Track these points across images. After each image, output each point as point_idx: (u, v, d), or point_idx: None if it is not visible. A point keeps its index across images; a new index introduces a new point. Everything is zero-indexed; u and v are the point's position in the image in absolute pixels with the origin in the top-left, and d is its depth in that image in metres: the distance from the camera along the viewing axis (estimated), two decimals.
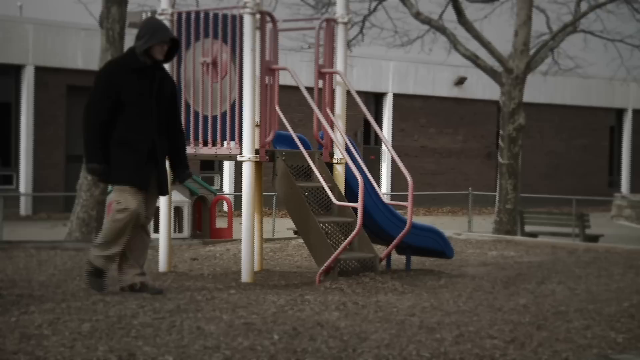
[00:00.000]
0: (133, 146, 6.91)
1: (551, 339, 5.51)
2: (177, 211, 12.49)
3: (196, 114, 8.46)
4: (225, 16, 8.29)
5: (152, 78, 7.01)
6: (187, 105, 8.50)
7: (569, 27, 19.97)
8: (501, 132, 19.23)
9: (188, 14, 8.53)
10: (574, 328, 5.88)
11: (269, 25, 8.44)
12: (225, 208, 20.07)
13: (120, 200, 6.91)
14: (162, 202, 8.70)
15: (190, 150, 8.49)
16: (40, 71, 24.62)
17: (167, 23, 8.53)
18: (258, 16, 8.15)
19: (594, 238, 18.59)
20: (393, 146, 29.02)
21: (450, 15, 19.67)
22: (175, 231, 12.21)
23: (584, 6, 20.08)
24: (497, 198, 19.19)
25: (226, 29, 8.26)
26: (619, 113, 37.97)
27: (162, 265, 8.64)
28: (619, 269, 9.21)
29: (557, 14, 21.21)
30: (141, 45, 6.96)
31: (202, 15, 8.41)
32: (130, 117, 6.91)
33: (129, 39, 16.30)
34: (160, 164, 7.06)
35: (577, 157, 36.41)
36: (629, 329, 5.88)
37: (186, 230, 12.72)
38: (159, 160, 7.04)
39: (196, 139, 8.49)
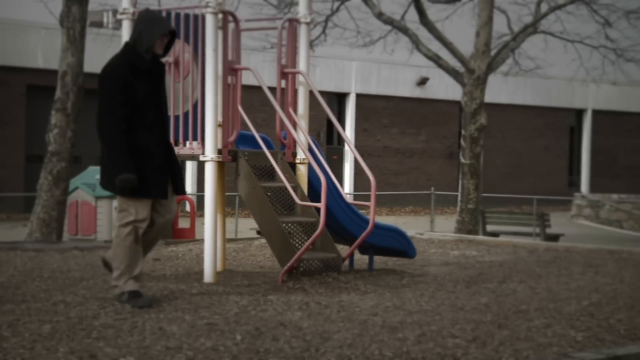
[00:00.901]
0: (150, 152, 6.44)
1: (512, 338, 5.56)
2: None
3: None
4: (187, 16, 8.25)
5: (157, 76, 6.60)
6: None
7: (530, 28, 20.15)
8: (463, 132, 19.35)
9: None
10: (535, 327, 5.93)
11: (231, 25, 8.41)
12: (187, 208, 20.00)
13: (131, 210, 6.42)
14: None
15: None
16: (0, 70, 24.37)
17: (127, 23, 8.49)
18: (220, 16, 8.13)
19: (554, 237, 18.77)
20: (356, 146, 29.02)
21: (412, 15, 19.77)
22: None
23: (544, 7, 20.27)
24: (459, 198, 19.30)
25: (188, 28, 8.22)
26: (579, 113, 38.36)
27: None
28: (579, 268, 9.30)
29: (517, 14, 21.38)
30: (145, 40, 6.42)
31: (163, 14, 8.36)
32: (145, 120, 6.43)
33: (90, 38, 16.18)
34: (175, 164, 6.70)
35: (538, 157, 36.73)
36: (588, 327, 5.95)
37: None
38: (174, 162, 6.68)
39: None
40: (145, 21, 6.51)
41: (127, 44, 6.60)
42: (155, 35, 6.46)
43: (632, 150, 39.23)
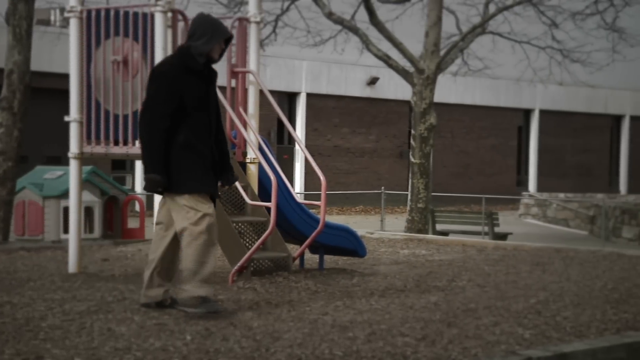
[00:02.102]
0: (199, 152, 6.27)
1: (461, 336, 5.60)
2: (88, 211, 12.30)
3: (107, 112, 8.34)
4: (136, 14, 8.19)
5: (209, 80, 6.45)
6: (98, 104, 8.37)
7: (478, 28, 20.34)
8: (413, 131, 19.46)
9: (98, 11, 8.39)
10: (483, 325, 5.98)
11: (181, 24, 8.36)
12: (137, 208, 19.84)
13: (196, 207, 6.18)
14: (72, 202, 8.56)
15: (100, 149, 8.38)
16: None
17: (75, 21, 8.40)
18: (170, 14, 8.08)
19: (503, 236, 18.97)
20: (306, 146, 29.00)
21: (362, 15, 19.85)
22: (85, 232, 12.02)
23: (492, 8, 20.47)
24: (409, 197, 19.42)
25: (137, 27, 8.16)
26: (527, 113, 38.80)
27: (72, 267, 8.49)
28: (527, 266, 9.41)
29: (466, 15, 21.57)
30: (203, 44, 6.29)
31: (112, 12, 8.28)
32: (193, 122, 6.27)
33: (37, 36, 15.94)
34: (228, 172, 6.57)
35: (487, 156, 37.09)
36: (535, 325, 6.02)
37: (97, 231, 12.53)
38: (227, 170, 6.55)
39: (107, 138, 8.37)
40: (204, 25, 6.38)
41: (182, 45, 6.48)
42: (215, 41, 6.36)
43: (578, 149, 39.79)
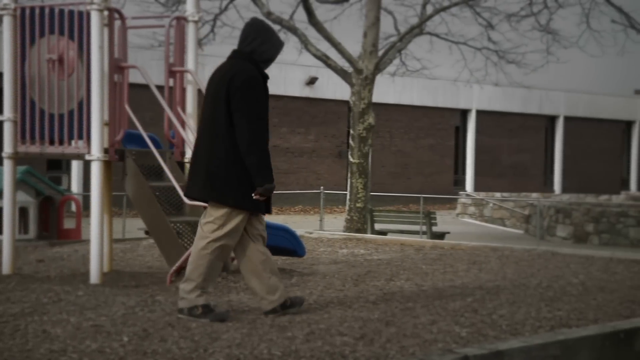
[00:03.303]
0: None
1: (399, 335, 5.64)
2: (23, 212, 12.11)
3: (42, 112, 8.23)
4: (71, 12, 8.09)
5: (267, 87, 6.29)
6: (33, 103, 8.25)
7: (416, 29, 20.50)
8: (351, 131, 19.54)
9: (32, 9, 8.27)
10: (421, 323, 6.03)
11: (117, 22, 8.29)
12: (73, 208, 19.59)
13: (228, 226, 6.06)
14: (6, 202, 8.42)
15: (35, 149, 8.27)
16: None
17: (9, 19, 8.27)
18: (106, 13, 8.00)
19: (440, 235, 19.14)
20: None
21: (301, 15, 19.90)
22: (20, 232, 11.84)
23: (429, 9, 20.66)
24: (347, 197, 19.48)
25: (72, 25, 8.06)
26: (464, 113, 39.22)
27: (6, 268, 8.35)
28: (464, 265, 9.51)
29: (404, 16, 21.82)
30: (269, 50, 6.19)
31: (47, 10, 8.17)
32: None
33: None
34: None
35: (425, 156, 37.40)
36: (472, 323, 6.08)
37: (32, 231, 12.34)
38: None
39: (42, 137, 8.26)
40: (262, 31, 6.22)
41: (240, 52, 6.22)
42: (279, 48, 6.26)
43: (514, 149, 40.33)
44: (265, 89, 6.18)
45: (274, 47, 6.23)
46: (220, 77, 6.14)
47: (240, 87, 6.02)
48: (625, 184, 44.28)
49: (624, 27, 21.99)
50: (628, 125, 44.91)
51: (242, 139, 5.98)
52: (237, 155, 6.02)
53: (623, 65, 64.17)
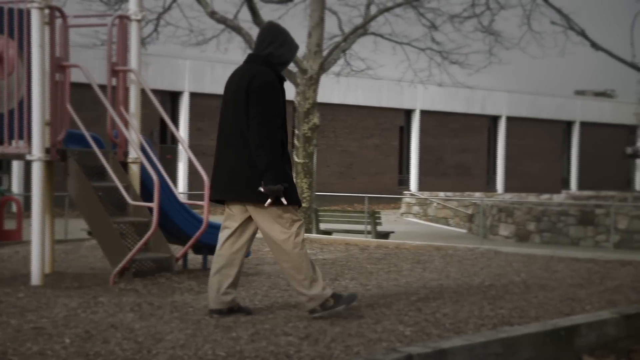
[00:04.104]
0: (288, 164, 6.23)
1: (344, 334, 5.66)
2: None
3: None
4: (11, 10, 7.96)
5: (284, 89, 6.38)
6: None
7: (360, 29, 20.58)
8: (296, 131, 19.55)
9: None
10: (365, 323, 6.06)
11: (58, 21, 8.19)
12: (14, 209, 19.31)
13: (294, 218, 6.15)
14: None
15: None
16: None
17: None
18: (47, 11, 7.89)
19: (385, 235, 19.25)
20: (190, 145, 28.75)
21: (245, 15, 19.83)
22: None
23: (373, 9, 20.75)
24: None
25: (12, 23, 7.94)
26: (408, 113, 39.48)
27: None
28: (408, 264, 9.57)
29: (348, 16, 21.82)
30: (287, 52, 6.27)
31: None
32: (283, 134, 6.21)
33: None
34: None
35: (370, 156, 37.57)
36: (416, 322, 6.12)
37: None
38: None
39: None
40: (278, 35, 6.28)
41: (257, 55, 6.27)
42: (295, 51, 6.33)
43: (457, 149, 40.70)
44: (282, 91, 6.27)
45: (290, 50, 6.32)
46: (239, 80, 6.22)
47: (255, 89, 6.12)
48: (565, 183, 44.97)
49: (564, 29, 22.33)
50: (568, 125, 45.61)
51: (252, 139, 6.08)
52: None
53: (563, 66, 65.18)
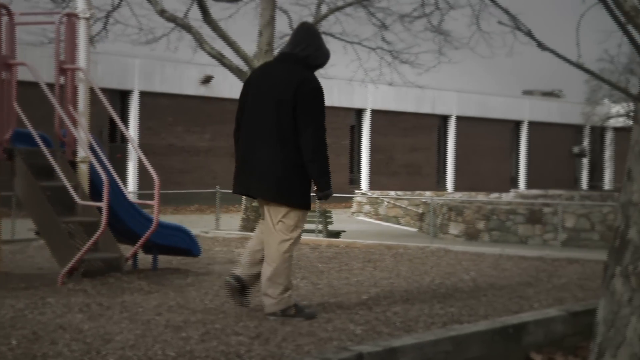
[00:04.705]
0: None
1: (294, 333, 5.66)
2: None
3: None
4: None
5: None
6: None
7: None
8: None
9: None
10: (316, 322, 6.06)
11: (4, 18, 8.08)
12: None
13: (300, 225, 6.28)
14: None
15: None
16: None
17: None
18: None
19: (336, 234, 19.28)
20: (140, 144, 28.52)
21: (195, 13, 19.73)
22: None
23: (324, 9, 20.77)
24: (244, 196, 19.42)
25: None
26: (359, 113, 39.60)
27: None
28: (358, 263, 9.60)
29: (299, 15, 21.81)
30: (323, 56, 6.35)
31: None
32: None
33: None
34: None
35: None
36: (367, 320, 6.15)
37: None
38: None
39: None
40: (317, 37, 6.36)
41: (295, 55, 6.28)
42: (328, 55, 6.38)
43: (408, 148, 40.93)
44: None
45: (325, 54, 6.38)
46: (283, 79, 6.19)
47: (308, 95, 6.16)
48: (514, 182, 45.46)
49: (512, 29, 22.53)
50: (517, 124, 46.11)
51: (307, 146, 6.15)
52: (300, 159, 6.18)
53: (512, 66, 65.89)
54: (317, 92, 6.20)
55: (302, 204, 6.25)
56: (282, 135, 6.14)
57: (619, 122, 44.19)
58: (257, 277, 6.45)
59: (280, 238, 6.23)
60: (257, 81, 6.32)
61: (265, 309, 6.24)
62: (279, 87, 6.17)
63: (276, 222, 6.25)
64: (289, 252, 6.26)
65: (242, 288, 6.45)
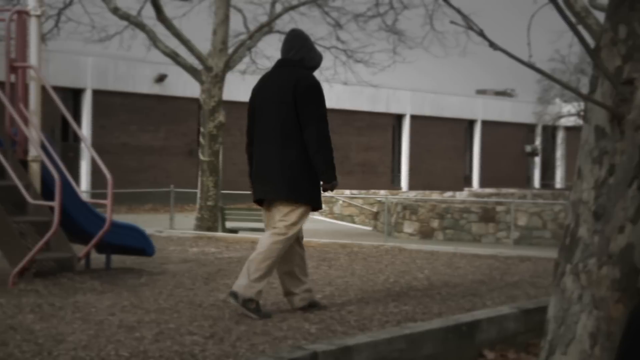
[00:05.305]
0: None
1: (249, 333, 5.65)
2: None
3: None
4: None
5: None
6: None
7: (265, 27, 20.55)
8: (202, 129, 19.42)
9: None
10: (271, 321, 6.06)
11: None
12: None
13: (300, 224, 6.41)
14: None
15: None
16: None
17: None
18: None
19: None
20: (93, 143, 28.30)
21: (149, 11, 19.60)
22: None
23: (278, 7, 20.75)
24: (198, 195, 19.36)
25: None
26: None
27: None
28: (314, 262, 9.61)
29: (253, 14, 21.77)
30: (317, 58, 6.63)
31: None
32: None
33: None
34: None
35: None
36: (321, 319, 6.16)
37: None
38: None
39: None
40: (307, 40, 6.61)
41: (290, 60, 6.54)
42: (321, 57, 6.68)
43: (362, 147, 41.04)
44: None
45: (318, 55, 6.66)
46: (282, 83, 6.43)
47: (306, 91, 6.41)
48: (468, 181, 45.81)
49: (465, 29, 22.68)
50: (470, 123, 46.46)
51: (311, 139, 6.34)
52: (306, 155, 6.37)
53: (465, 65, 66.41)
54: (315, 88, 6.47)
55: (311, 201, 6.43)
56: (288, 135, 6.36)
57: (570, 121, 44.72)
58: (291, 278, 6.54)
59: (277, 231, 6.35)
60: (259, 92, 6.59)
61: (234, 287, 6.32)
62: (280, 91, 6.43)
63: (279, 218, 6.39)
64: (280, 245, 6.33)
65: (310, 303, 6.52)
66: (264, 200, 6.54)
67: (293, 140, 6.35)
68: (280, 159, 6.37)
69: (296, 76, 6.44)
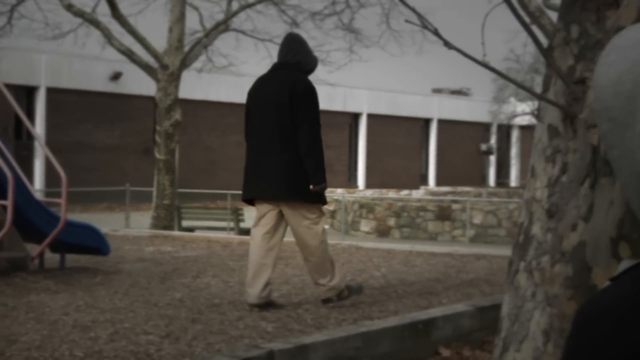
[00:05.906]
0: None
1: (205, 332, 5.64)
2: None
3: None
4: None
5: None
6: None
7: (221, 25, 20.49)
8: (158, 128, 19.31)
9: None
10: (228, 320, 6.05)
11: None
12: None
13: (321, 215, 6.64)
14: None
15: None
16: None
17: None
18: None
19: (248, 231, 19.20)
20: (47, 141, 28.06)
21: (104, 8, 19.44)
22: None
23: (235, 5, 20.69)
24: (154, 194, 19.25)
25: None
26: None
27: None
28: None
29: (210, 12, 21.73)
30: (313, 62, 6.79)
31: None
32: None
33: None
34: None
35: (232, 153, 37.45)
36: (278, 318, 6.16)
37: None
38: None
39: None
40: (304, 44, 6.79)
41: (287, 63, 6.70)
42: (317, 60, 6.86)
43: (326, 146, 41.03)
44: None
45: (314, 59, 6.84)
46: (279, 86, 6.59)
47: (302, 94, 6.56)
48: (424, 179, 46.07)
49: (421, 28, 22.79)
50: (426, 122, 46.73)
51: (303, 141, 6.51)
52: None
53: (421, 64, 66.75)
54: (310, 91, 6.62)
55: (315, 198, 6.53)
56: (285, 136, 6.51)
57: (525, 120, 45.15)
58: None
59: (312, 231, 6.53)
60: (255, 93, 6.76)
61: (322, 296, 6.61)
62: (276, 93, 6.58)
63: (300, 220, 6.54)
64: (323, 239, 6.56)
65: (267, 303, 6.53)
66: (254, 200, 6.65)
67: (290, 140, 6.50)
68: (279, 160, 6.51)
69: (293, 79, 6.60)
